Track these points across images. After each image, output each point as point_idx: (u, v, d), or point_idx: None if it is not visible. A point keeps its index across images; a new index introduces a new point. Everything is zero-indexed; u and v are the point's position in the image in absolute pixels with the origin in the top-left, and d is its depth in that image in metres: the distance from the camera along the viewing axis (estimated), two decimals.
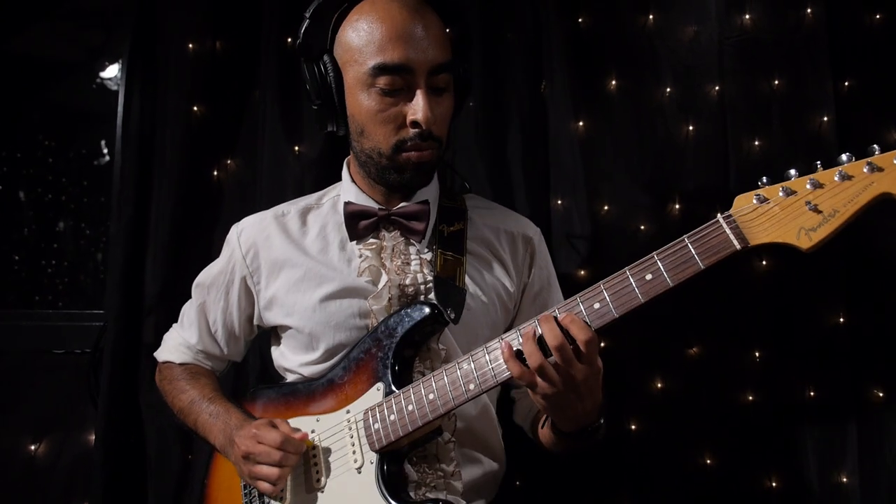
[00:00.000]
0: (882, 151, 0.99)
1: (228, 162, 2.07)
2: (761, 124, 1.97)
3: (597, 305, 1.12)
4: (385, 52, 1.29)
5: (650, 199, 2.00)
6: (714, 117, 2.00)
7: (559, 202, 2.00)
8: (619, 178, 2.00)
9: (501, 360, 1.17)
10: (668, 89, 2.02)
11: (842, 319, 1.91)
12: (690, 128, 2.01)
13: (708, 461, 1.93)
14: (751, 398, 1.94)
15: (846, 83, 1.96)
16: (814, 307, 1.93)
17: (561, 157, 2.00)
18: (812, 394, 1.92)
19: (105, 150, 2.62)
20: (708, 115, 2.01)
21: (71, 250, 2.57)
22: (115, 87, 2.53)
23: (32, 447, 2.03)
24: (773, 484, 1.92)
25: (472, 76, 1.53)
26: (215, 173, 2.06)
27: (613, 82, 2.04)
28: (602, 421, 1.25)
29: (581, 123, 2.01)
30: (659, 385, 1.96)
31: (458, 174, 1.79)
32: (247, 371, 1.97)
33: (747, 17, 2.00)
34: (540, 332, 1.12)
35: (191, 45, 2.04)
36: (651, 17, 2.04)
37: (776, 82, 1.98)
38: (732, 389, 1.95)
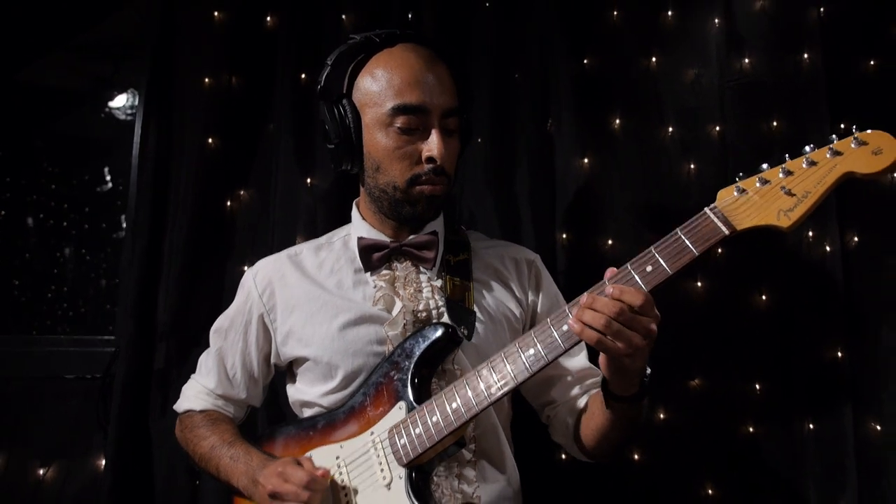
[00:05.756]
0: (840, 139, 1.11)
1: (242, 193, 2.11)
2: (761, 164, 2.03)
3: None
4: (404, 95, 1.42)
5: (653, 235, 2.02)
6: (715, 157, 2.07)
7: (565, 237, 2.05)
8: (624, 214, 2.06)
9: (520, 362, 1.23)
10: (671, 129, 2.09)
11: (840, 353, 1.96)
12: (692, 166, 2.08)
13: (710, 492, 1.96)
14: (752, 430, 1.98)
15: (843, 125, 2.03)
16: (813, 341, 1.98)
17: (567, 192, 2.06)
18: (812, 426, 1.96)
19: (108, 178, 2.66)
20: (709, 154, 2.07)
21: (72, 276, 2.59)
22: (122, 117, 2.58)
23: (40, 472, 2.02)
24: None
25: (474, 122, 1.62)
26: (229, 204, 2.10)
27: (618, 121, 2.10)
28: (649, 370, 1.30)
29: (586, 160, 2.06)
30: (661, 416, 1.99)
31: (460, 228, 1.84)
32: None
33: (746, 61, 2.08)
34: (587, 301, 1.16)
35: (207, 80, 2.09)
36: (654, 59, 2.12)
37: (775, 124, 2.06)
38: (734, 421, 1.99)
